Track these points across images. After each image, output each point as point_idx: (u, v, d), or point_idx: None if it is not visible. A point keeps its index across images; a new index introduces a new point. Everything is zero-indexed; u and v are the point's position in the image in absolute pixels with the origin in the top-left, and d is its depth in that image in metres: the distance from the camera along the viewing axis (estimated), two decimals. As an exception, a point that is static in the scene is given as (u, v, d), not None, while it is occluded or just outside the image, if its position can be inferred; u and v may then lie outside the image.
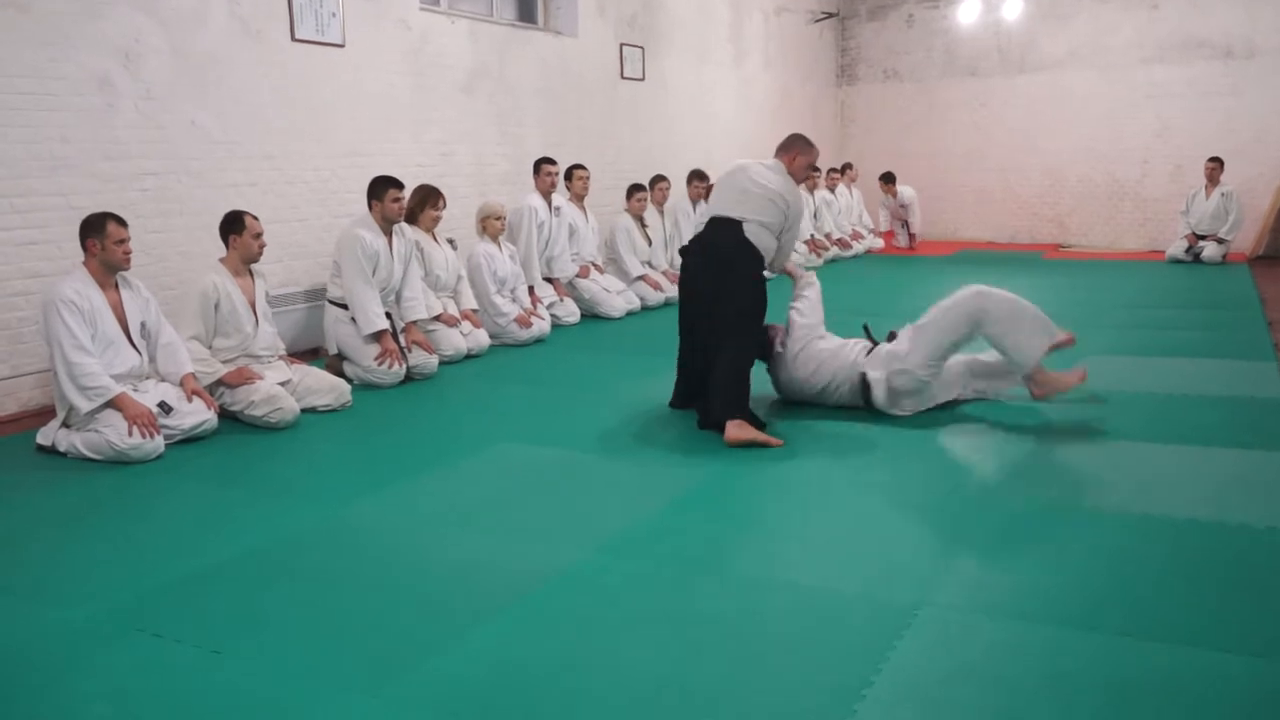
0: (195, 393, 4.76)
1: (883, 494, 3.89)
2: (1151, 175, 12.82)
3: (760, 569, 3.19)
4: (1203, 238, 11.18)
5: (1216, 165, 11.20)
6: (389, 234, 5.94)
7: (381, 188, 5.87)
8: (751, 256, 4.80)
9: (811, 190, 12.09)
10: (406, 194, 6.08)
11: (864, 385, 4.89)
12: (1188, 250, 11.15)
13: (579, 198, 8.24)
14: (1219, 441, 4.37)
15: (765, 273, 4.91)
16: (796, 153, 5.02)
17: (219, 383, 4.99)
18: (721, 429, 4.55)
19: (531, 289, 7.48)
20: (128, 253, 4.61)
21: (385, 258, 5.89)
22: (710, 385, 4.69)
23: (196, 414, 4.69)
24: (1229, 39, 12.13)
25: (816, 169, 12.20)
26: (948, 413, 4.95)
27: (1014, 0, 12.12)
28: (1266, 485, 3.82)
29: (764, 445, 4.46)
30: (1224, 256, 11.04)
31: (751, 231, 4.80)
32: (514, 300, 7.18)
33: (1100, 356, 6.16)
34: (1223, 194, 11.15)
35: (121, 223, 4.58)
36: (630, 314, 8.24)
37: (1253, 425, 4.61)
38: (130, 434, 4.36)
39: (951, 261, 11.80)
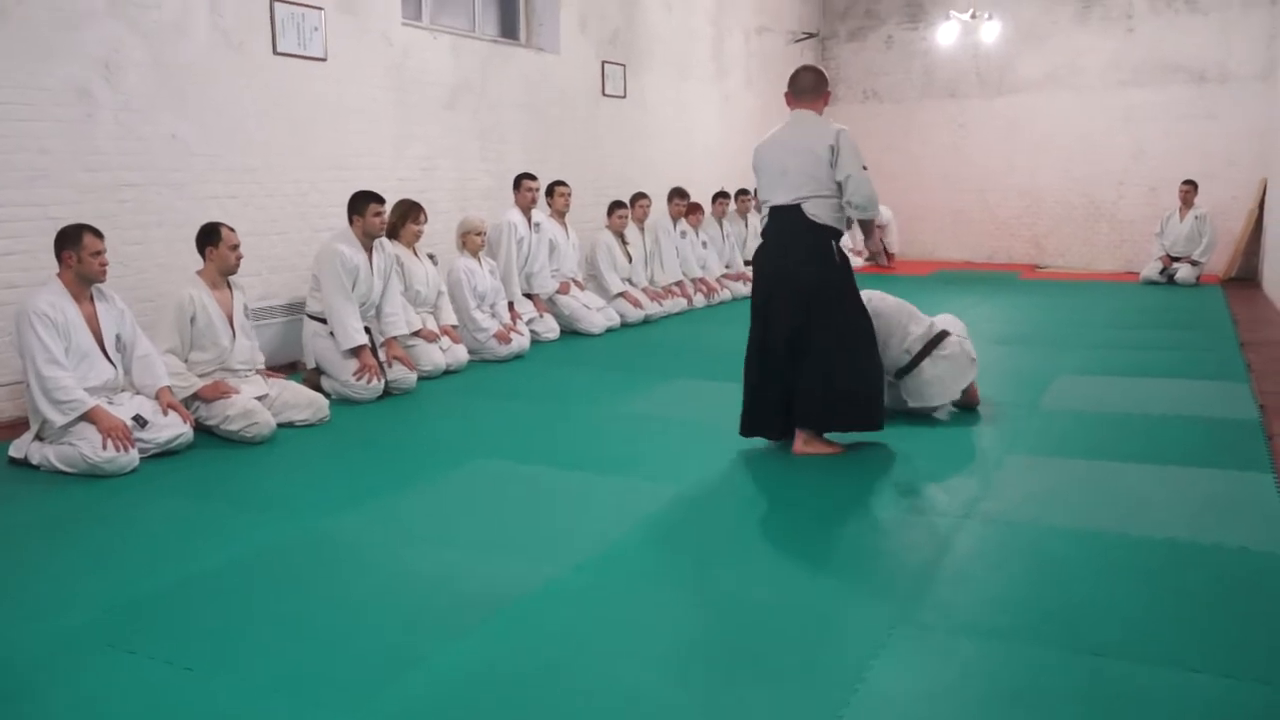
0: (171, 406, 4.72)
1: (861, 512, 3.90)
2: (1127, 197, 12.96)
3: (737, 585, 3.18)
4: (1177, 259, 11.31)
5: (1190, 188, 11.35)
6: (369, 249, 5.93)
7: (363, 202, 5.86)
8: (822, 237, 4.48)
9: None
10: (387, 209, 6.07)
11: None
12: (1162, 272, 11.28)
13: (560, 214, 8.25)
14: (1194, 462, 4.41)
15: (845, 240, 4.63)
16: (825, 97, 4.65)
17: (194, 396, 4.95)
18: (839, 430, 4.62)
19: (511, 305, 7.47)
20: (104, 265, 4.58)
21: (365, 272, 5.88)
22: (831, 391, 4.48)
23: (172, 427, 4.65)
24: (1203, 64, 12.30)
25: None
26: (924, 431, 4.97)
27: (991, 23, 12.26)
28: (1240, 505, 3.85)
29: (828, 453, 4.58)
30: (1198, 278, 11.16)
31: (812, 210, 4.45)
32: (494, 316, 7.17)
33: (1076, 377, 6.22)
34: (1196, 217, 11.29)
35: (98, 234, 4.55)
36: (610, 330, 8.24)
37: (1227, 446, 4.65)
38: (104, 447, 4.32)
39: (929, 281, 11.88)
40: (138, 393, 4.73)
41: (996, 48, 13.14)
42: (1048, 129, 13.29)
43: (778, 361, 4.55)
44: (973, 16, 12.17)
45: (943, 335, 5.19)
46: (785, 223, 4.53)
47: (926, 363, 5.12)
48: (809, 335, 4.48)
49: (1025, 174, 13.52)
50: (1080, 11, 12.98)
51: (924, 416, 5.21)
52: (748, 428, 4.70)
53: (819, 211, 4.47)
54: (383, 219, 5.95)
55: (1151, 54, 12.58)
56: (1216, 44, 12.20)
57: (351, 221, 5.90)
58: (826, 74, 4.75)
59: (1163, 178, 12.44)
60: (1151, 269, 11.40)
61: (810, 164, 4.45)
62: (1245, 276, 11.56)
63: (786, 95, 4.70)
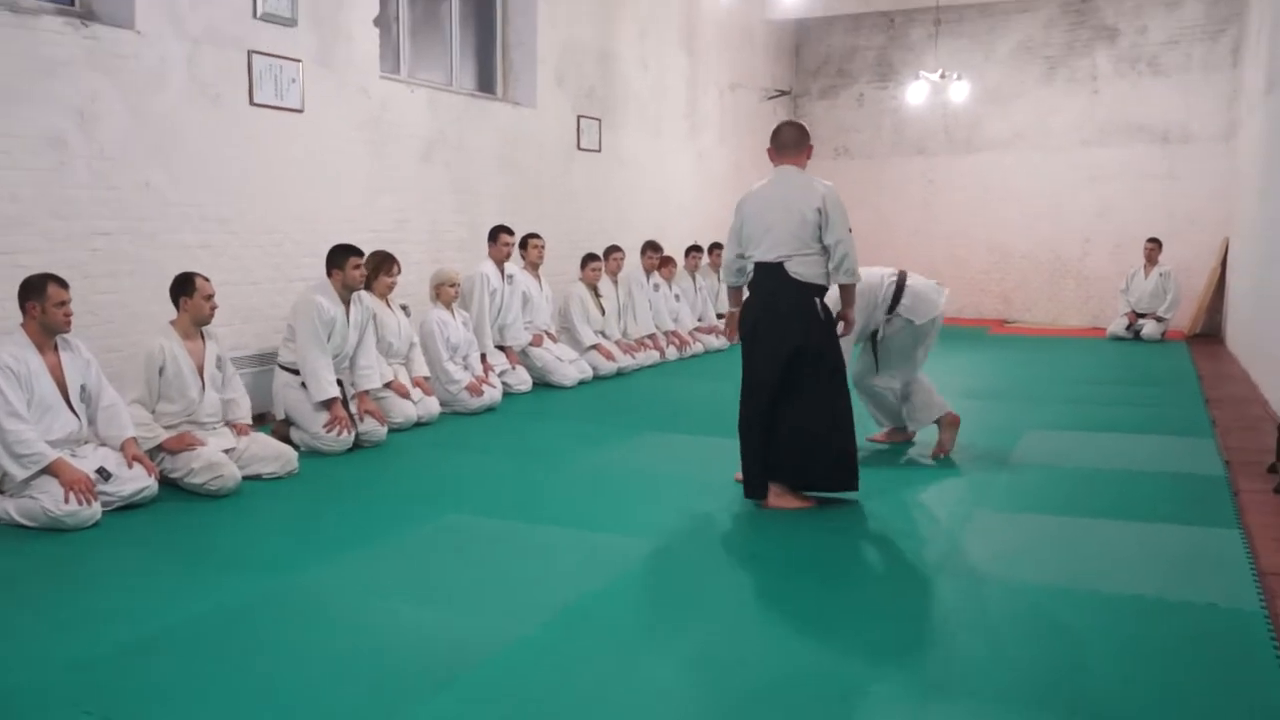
0: (136, 458, 4.65)
1: (833, 568, 3.88)
2: (1093, 254, 13.17)
3: (708, 642, 3.16)
4: (1142, 316, 11.50)
5: (1155, 246, 11.59)
6: (347, 302, 5.92)
7: (343, 256, 5.86)
8: (806, 295, 4.51)
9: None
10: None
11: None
12: (1128, 328, 11.45)
13: (534, 266, 8.27)
14: (1162, 517, 4.43)
15: (830, 298, 4.63)
16: (807, 151, 4.71)
17: (159, 448, 4.89)
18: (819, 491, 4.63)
19: (484, 356, 7.46)
20: (68, 315, 4.53)
21: (341, 325, 5.86)
22: (813, 448, 4.52)
23: (136, 480, 4.56)
24: (1166, 124, 12.59)
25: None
26: (895, 486, 4.98)
27: (960, 84, 12.50)
28: (1208, 562, 3.88)
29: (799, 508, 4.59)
30: (1163, 334, 11.34)
31: (795, 269, 4.49)
32: (466, 367, 7.15)
33: (1044, 431, 6.26)
34: (1161, 274, 11.52)
35: (62, 284, 4.51)
36: (582, 383, 8.23)
37: (1195, 501, 4.69)
38: (67, 500, 4.24)
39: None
40: (102, 444, 4.66)
41: (965, 107, 13.38)
42: (1015, 187, 13.52)
43: (762, 418, 4.56)
44: (942, 77, 12.40)
45: (904, 273, 5.79)
46: (769, 280, 4.56)
47: (908, 282, 5.66)
48: (789, 391, 4.52)
49: (993, 230, 13.72)
50: (1046, 73, 13.28)
51: (893, 470, 5.23)
52: (753, 489, 4.64)
53: (802, 270, 4.51)
54: (362, 272, 5.96)
55: (1116, 115, 12.87)
56: (1179, 106, 12.50)
57: (330, 274, 5.89)
58: (808, 129, 4.79)
59: (1127, 235, 12.67)
60: (1118, 325, 11.58)
61: (796, 224, 4.48)
62: (1209, 333, 11.75)
63: (769, 150, 4.73)
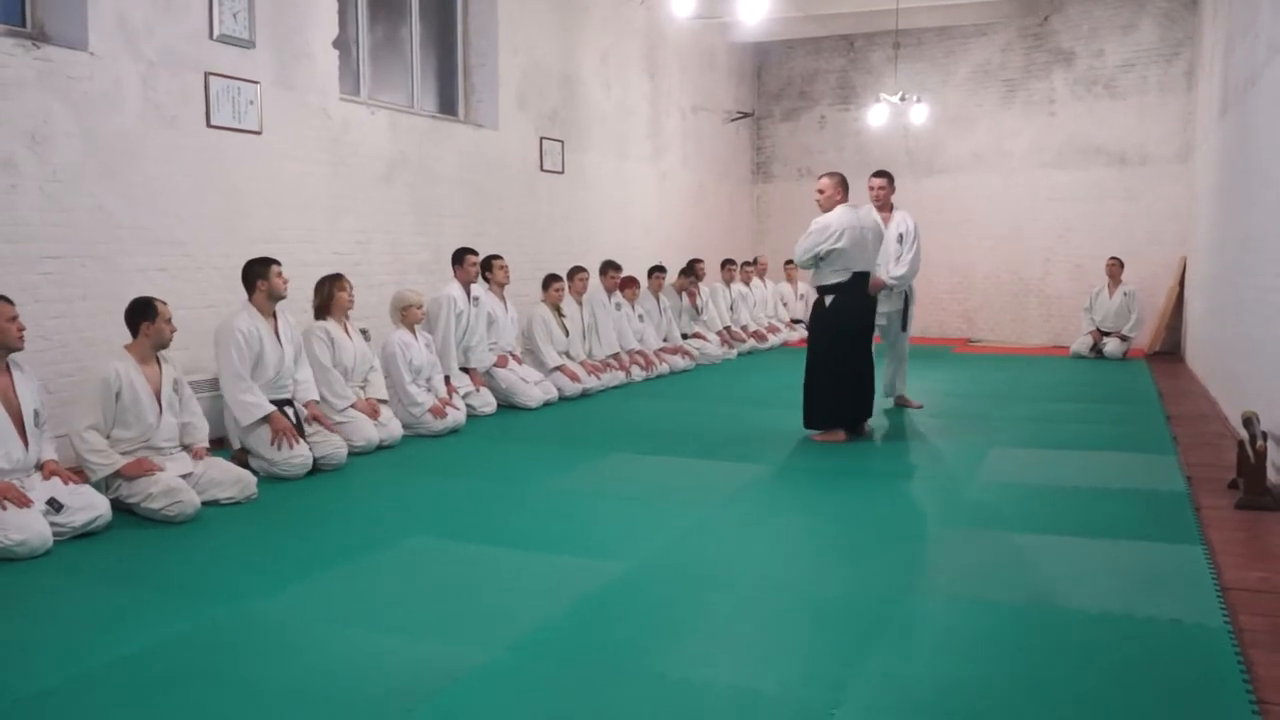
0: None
1: (800, 588, 3.85)
2: (1054, 274, 13.33)
3: (675, 668, 3.11)
4: (1107, 334, 11.62)
5: (1117, 264, 11.73)
6: (274, 316, 5.80)
7: (263, 265, 5.72)
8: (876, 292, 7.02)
9: (728, 283, 12.29)
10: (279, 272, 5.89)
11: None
12: (1092, 347, 11.56)
13: (500, 287, 8.22)
14: (1126, 534, 4.44)
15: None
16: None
17: (116, 474, 4.78)
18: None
19: (447, 378, 7.39)
20: (21, 329, 4.43)
21: (270, 343, 5.73)
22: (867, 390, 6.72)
23: (88, 510, 4.44)
24: (1123, 146, 12.79)
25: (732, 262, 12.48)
26: (862, 505, 4.97)
27: (920, 106, 12.64)
28: (1172, 578, 3.88)
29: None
30: (1125, 353, 11.46)
31: (871, 275, 6.83)
32: (429, 390, 7.08)
33: (1008, 449, 6.28)
34: (1125, 293, 11.65)
35: (7, 300, 4.41)
36: (547, 404, 8.18)
37: (1156, 518, 4.71)
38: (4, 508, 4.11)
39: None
40: (52, 474, 4.54)
41: (925, 129, 13.53)
42: (976, 208, 13.67)
43: (849, 374, 6.52)
44: (902, 99, 12.54)
45: None
46: (864, 283, 6.63)
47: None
48: (863, 353, 6.64)
49: (955, 251, 13.84)
50: (1005, 96, 13.46)
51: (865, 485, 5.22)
52: (841, 420, 6.58)
53: (875, 273, 6.88)
54: (284, 279, 5.81)
55: (1073, 137, 13.06)
56: (1135, 128, 12.71)
57: (254, 288, 5.73)
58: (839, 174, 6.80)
59: (1087, 255, 12.84)
60: (1082, 343, 11.69)
61: (876, 244, 6.77)
62: (1169, 350, 11.89)
63: (842, 192, 6.64)
